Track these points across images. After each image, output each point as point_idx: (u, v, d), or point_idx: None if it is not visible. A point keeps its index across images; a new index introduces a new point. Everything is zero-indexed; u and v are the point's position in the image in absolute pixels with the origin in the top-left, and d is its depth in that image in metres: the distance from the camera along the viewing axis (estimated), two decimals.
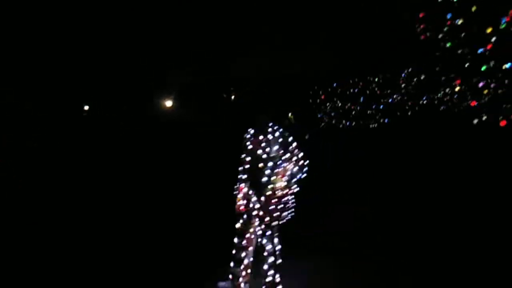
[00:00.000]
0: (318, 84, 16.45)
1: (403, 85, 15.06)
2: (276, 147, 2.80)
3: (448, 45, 8.30)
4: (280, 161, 2.78)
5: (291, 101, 17.36)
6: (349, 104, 15.91)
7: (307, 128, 16.83)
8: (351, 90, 15.89)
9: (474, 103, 10.65)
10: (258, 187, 2.78)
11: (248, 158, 2.89)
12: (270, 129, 2.89)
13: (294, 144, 2.84)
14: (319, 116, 16.71)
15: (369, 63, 15.15)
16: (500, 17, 6.34)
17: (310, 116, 16.94)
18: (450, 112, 14.82)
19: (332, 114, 16.27)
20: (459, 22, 7.80)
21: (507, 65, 6.90)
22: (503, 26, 6.24)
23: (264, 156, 2.79)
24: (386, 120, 15.56)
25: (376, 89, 15.50)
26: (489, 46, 7.12)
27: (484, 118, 8.92)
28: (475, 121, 8.69)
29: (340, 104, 16.07)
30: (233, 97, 18.03)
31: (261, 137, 2.86)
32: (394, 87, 15.17)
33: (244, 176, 2.92)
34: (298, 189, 2.74)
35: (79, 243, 4.51)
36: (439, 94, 14.79)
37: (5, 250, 4.27)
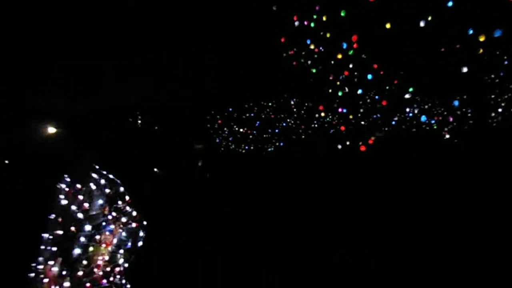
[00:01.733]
0: (215, 109, 16.08)
1: (295, 109, 15.69)
2: (98, 202, 2.00)
3: (313, 71, 8.74)
4: (104, 222, 1.98)
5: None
6: (245, 129, 15.86)
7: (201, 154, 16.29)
8: (247, 115, 15.90)
9: (343, 128, 11.69)
10: (71, 265, 1.92)
11: (59, 220, 2.01)
12: (94, 175, 2.07)
13: (126, 197, 2.06)
14: (217, 141, 16.25)
15: (262, 89, 15.46)
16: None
17: (209, 142, 16.41)
18: (339, 135, 15.86)
19: (230, 139, 15.98)
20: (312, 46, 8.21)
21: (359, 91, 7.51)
22: (351, 53, 6.75)
23: (81, 215, 1.95)
24: (281, 144, 15.93)
25: (270, 113, 15.81)
26: (346, 73, 7.63)
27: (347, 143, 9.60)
28: (339, 146, 9.29)
29: (237, 129, 15.90)
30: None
31: (78, 187, 2.02)
32: (287, 111, 15.71)
33: (52, 250, 2.01)
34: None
35: None
36: (327, 118, 15.74)
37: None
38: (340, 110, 9.08)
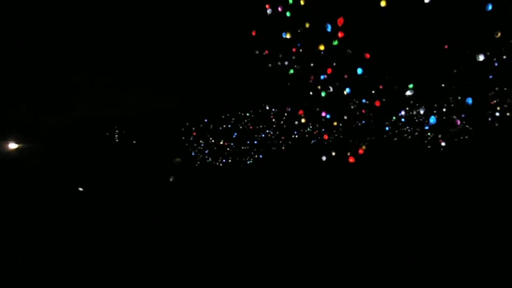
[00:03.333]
0: (189, 120, 15.13)
1: (273, 120, 14.84)
2: None
3: (290, 72, 7.85)
4: None
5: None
6: (222, 141, 14.93)
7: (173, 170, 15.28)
8: (224, 126, 14.99)
9: (326, 137, 10.76)
10: None
11: None
12: None
13: None
14: (192, 154, 15.25)
15: (239, 98, 14.62)
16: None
17: (183, 155, 15.41)
18: (321, 146, 15.06)
19: (206, 151, 15.01)
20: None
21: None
22: (335, 43, 5.78)
23: None
24: (261, 156, 15.02)
25: (248, 124, 14.93)
26: (329, 71, 6.67)
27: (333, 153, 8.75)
28: (323, 158, 8.39)
29: (213, 141, 14.95)
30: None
31: None
32: (266, 122, 14.86)
33: None
34: None
35: None
36: (308, 128, 14.94)
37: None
38: (323, 114, 8.00)
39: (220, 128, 15.02)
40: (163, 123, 15.84)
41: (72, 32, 13.32)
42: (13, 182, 13.86)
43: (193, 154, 15.35)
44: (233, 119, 14.91)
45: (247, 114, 14.90)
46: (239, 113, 14.75)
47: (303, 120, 7.99)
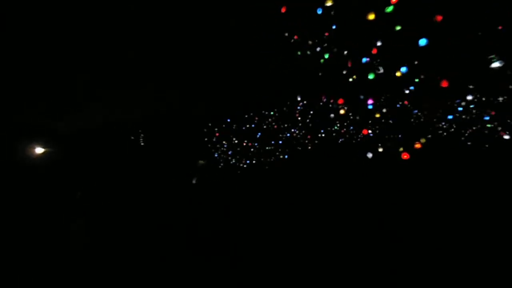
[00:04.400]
0: (212, 121, 14.72)
1: (299, 118, 14.21)
2: None
3: (326, 56, 7.15)
4: None
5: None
6: (246, 141, 14.40)
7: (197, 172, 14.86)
8: (247, 126, 14.47)
9: (365, 132, 9.92)
10: None
11: None
12: None
13: None
14: (215, 156, 14.80)
15: (263, 96, 14.11)
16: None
17: (207, 156, 15.00)
18: (349, 145, 14.32)
19: (230, 152, 14.52)
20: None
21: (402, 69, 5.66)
22: (389, 9, 4.99)
23: None
24: (286, 156, 14.40)
25: (273, 123, 14.36)
26: (374, 51, 5.95)
27: (380, 149, 7.94)
28: (369, 155, 7.53)
29: (237, 142, 14.45)
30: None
31: None
32: (291, 120, 14.25)
33: None
34: None
35: None
36: (335, 127, 14.24)
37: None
38: (370, 102, 6.98)
39: (244, 128, 14.52)
40: (185, 125, 15.52)
41: (87, 36, 13.13)
42: (31, 185, 13.80)
43: (216, 155, 14.90)
44: (256, 118, 14.38)
45: (271, 113, 14.34)
46: (263, 112, 14.21)
47: (342, 112, 7.22)
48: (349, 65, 6.83)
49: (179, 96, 15.59)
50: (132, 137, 15.38)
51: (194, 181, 13.29)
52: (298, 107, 13.91)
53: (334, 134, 14.38)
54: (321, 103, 13.06)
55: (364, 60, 5.87)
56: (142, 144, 16.25)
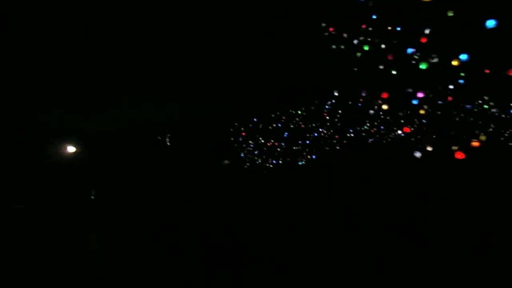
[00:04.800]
0: (238, 120, 14.53)
1: (327, 117, 13.83)
2: None
3: (365, 48, 6.74)
4: None
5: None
6: (272, 141, 14.14)
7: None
8: (274, 125, 14.20)
9: (407, 130, 9.40)
10: None
11: None
12: None
13: None
14: (241, 156, 14.61)
15: (289, 95, 13.82)
16: None
17: (233, 156, 14.84)
18: (380, 145, 13.82)
19: (256, 152, 14.30)
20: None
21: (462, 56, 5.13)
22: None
23: None
24: (314, 157, 14.05)
25: (300, 123, 14.03)
26: (423, 40, 5.47)
27: (428, 149, 7.41)
28: (418, 154, 6.97)
29: (263, 141, 14.21)
30: None
31: None
32: (319, 120, 13.88)
33: None
34: None
35: None
36: (365, 126, 13.78)
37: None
38: (420, 95, 6.37)
39: (270, 127, 14.26)
40: (210, 125, 15.41)
41: (111, 38, 13.19)
42: (62, 185, 13.97)
43: (242, 155, 14.72)
44: (283, 117, 14.10)
45: (299, 112, 14.03)
46: (290, 111, 13.92)
47: (384, 107, 6.74)
48: (390, 58, 6.46)
49: (202, 97, 15.47)
50: (159, 137, 15.40)
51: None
52: (327, 106, 13.55)
53: (364, 134, 13.92)
54: (351, 102, 12.65)
55: (410, 50, 5.49)
56: (167, 145, 16.25)
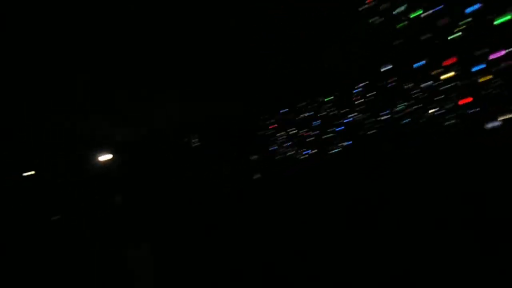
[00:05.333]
0: (267, 112, 14.30)
1: (358, 102, 13.52)
2: None
3: (412, 14, 6.43)
4: None
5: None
6: (305, 130, 13.83)
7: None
8: (305, 114, 13.92)
9: (465, 101, 8.73)
10: None
11: None
12: None
13: None
14: (271, 149, 14.31)
15: (318, 82, 13.60)
16: None
17: (263, 150, 14.53)
18: (414, 126, 13.41)
19: (288, 143, 13.98)
20: None
21: None
22: None
23: None
24: (348, 143, 13.68)
25: (332, 109, 13.73)
26: None
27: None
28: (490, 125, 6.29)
29: (295, 132, 13.91)
30: None
31: None
32: (350, 105, 13.57)
33: None
34: None
35: None
36: (399, 107, 13.41)
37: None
38: (501, 53, 5.53)
39: (301, 116, 13.98)
40: (235, 120, 15.20)
41: (144, 46, 13.27)
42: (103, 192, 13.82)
43: (273, 148, 14.41)
44: (314, 105, 13.83)
45: (330, 98, 13.75)
46: (320, 99, 13.65)
47: (448, 75, 6.15)
48: (444, 22, 6.10)
49: (228, 95, 15.36)
50: (187, 139, 15.22)
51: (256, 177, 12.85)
52: (356, 90, 13.26)
53: (398, 115, 13.52)
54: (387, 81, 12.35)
55: (475, 7, 5.09)
56: (196, 146, 16.06)
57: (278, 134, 14.05)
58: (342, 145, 13.58)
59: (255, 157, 15.47)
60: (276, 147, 14.01)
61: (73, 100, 14.63)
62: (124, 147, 15.55)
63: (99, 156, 15.04)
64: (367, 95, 13.39)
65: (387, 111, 13.25)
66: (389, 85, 11.97)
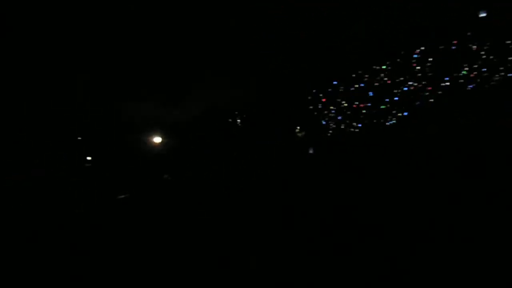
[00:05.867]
0: (316, 86, 13.73)
1: (417, 68, 12.49)
2: None
3: None
4: None
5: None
6: (357, 103, 13.15)
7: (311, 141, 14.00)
8: (357, 86, 13.18)
9: None
10: None
11: None
12: None
13: None
14: (323, 123, 13.82)
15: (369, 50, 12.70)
16: None
17: (314, 126, 14.10)
18: (480, 92, 12.23)
19: (339, 118, 13.41)
20: None
21: None
22: None
23: None
24: (405, 114, 12.83)
25: (385, 78, 12.86)
26: None
27: None
28: None
29: (346, 105, 13.27)
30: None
31: None
32: (407, 72, 12.59)
33: None
34: None
35: None
36: (463, 72, 12.24)
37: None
38: None
39: (353, 88, 13.28)
40: (284, 96, 14.79)
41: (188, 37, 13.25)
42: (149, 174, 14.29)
43: (324, 123, 13.94)
44: (366, 76, 13.03)
45: (383, 67, 12.86)
46: (374, 67, 12.80)
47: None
48: None
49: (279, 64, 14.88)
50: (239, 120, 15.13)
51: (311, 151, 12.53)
52: (415, 55, 12.23)
53: (462, 81, 12.36)
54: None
55: None
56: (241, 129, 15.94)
57: (329, 108, 13.52)
58: (399, 116, 12.77)
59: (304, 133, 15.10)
60: (326, 122, 13.52)
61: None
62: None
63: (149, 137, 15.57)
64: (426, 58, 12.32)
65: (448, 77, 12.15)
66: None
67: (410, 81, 12.64)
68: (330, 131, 13.85)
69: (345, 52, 12.65)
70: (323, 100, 13.59)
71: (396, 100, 12.87)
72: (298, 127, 14.65)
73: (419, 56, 12.27)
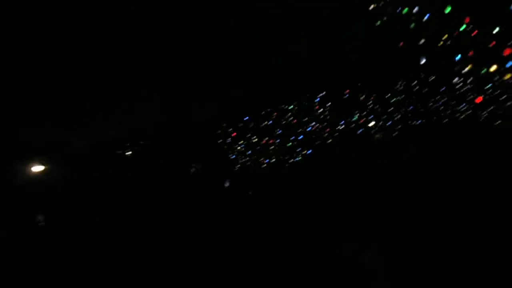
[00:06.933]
0: (227, 121, 13.71)
1: (319, 111, 13.63)
2: None
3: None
4: None
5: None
6: (266, 138, 13.50)
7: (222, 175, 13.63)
8: (266, 123, 13.63)
9: (480, 99, 8.61)
10: None
11: None
12: None
13: None
14: (231, 157, 13.69)
15: (279, 90, 13.43)
16: None
17: (222, 160, 13.84)
18: (369, 137, 13.85)
19: (248, 152, 13.50)
20: None
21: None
22: None
23: None
24: (309, 152, 13.64)
25: (291, 118, 13.64)
26: None
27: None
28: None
29: (256, 140, 13.50)
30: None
31: None
32: (311, 114, 13.63)
33: None
34: None
35: None
36: (354, 117, 13.80)
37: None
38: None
39: (262, 125, 13.66)
40: (194, 128, 14.34)
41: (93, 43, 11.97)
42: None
43: (233, 157, 13.81)
44: (275, 113, 13.62)
45: (290, 107, 13.66)
46: (283, 106, 13.50)
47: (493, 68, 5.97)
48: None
49: (185, 100, 14.42)
50: (140, 145, 13.89)
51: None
52: (317, 99, 13.38)
53: (353, 126, 13.89)
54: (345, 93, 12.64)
55: None
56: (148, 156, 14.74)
57: (239, 142, 13.52)
58: (303, 153, 13.49)
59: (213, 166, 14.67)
60: (235, 155, 13.44)
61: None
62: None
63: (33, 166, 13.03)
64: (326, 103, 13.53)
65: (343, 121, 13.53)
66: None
67: (314, 122, 13.66)
68: (238, 166, 13.78)
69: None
70: (234, 134, 13.59)
71: (301, 138, 13.67)
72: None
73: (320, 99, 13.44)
